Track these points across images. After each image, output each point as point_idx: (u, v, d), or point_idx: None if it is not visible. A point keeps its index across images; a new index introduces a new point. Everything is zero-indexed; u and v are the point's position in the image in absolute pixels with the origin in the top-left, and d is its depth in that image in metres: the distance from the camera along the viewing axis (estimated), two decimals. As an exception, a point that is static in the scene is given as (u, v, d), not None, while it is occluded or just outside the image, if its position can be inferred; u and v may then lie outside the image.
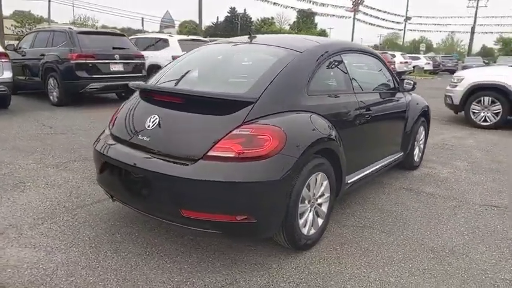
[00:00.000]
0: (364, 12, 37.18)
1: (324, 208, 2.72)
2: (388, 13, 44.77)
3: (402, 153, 4.10)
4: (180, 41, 10.62)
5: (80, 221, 2.99)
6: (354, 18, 34.62)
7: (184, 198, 2.22)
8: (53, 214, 3.10)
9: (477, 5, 41.82)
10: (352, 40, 36.59)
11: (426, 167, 4.73)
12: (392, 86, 3.92)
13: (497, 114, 7.13)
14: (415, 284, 2.28)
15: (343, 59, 3.13)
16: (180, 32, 58.11)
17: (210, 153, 2.22)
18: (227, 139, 2.23)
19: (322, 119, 2.64)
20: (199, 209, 2.21)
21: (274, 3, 33.71)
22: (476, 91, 7.26)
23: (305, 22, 75.26)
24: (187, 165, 2.22)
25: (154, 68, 10.41)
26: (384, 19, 47.30)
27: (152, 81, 2.97)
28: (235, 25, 72.58)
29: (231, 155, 2.20)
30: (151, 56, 10.30)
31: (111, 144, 2.65)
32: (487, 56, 49.43)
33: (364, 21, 38.89)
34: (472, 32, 44.21)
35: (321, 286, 2.24)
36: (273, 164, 2.21)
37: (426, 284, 2.29)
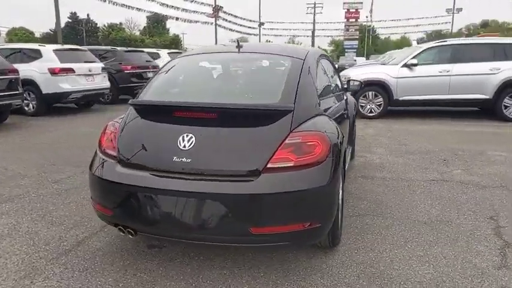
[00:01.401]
0: (223, 18, 38.89)
1: (340, 203, 2.92)
2: (244, 19, 47.72)
3: (351, 146, 4.58)
4: (56, 51, 9.36)
5: (80, 269, 2.52)
6: (216, 24, 35.80)
7: (253, 215, 2.14)
8: (36, 269, 2.53)
9: (314, 11, 47.92)
10: (216, 44, 37.62)
11: (358, 156, 5.37)
12: (341, 86, 4.35)
13: (379, 105, 8.47)
14: (440, 252, 2.67)
15: (322, 64, 3.38)
16: (10, 40, 50.30)
17: (269, 165, 2.19)
18: (282, 149, 2.23)
19: (334, 120, 2.83)
20: (269, 223, 2.16)
21: (138, 9, 32.17)
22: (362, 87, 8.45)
23: (156, 27, 73.92)
24: (252, 180, 2.14)
25: (27, 84, 8.96)
26: (240, 25, 50.17)
27: (151, 97, 2.70)
28: (79, 31, 66.61)
29: (290, 164, 2.21)
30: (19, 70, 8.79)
31: (130, 172, 2.33)
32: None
33: (224, 27, 40.63)
34: (313, 36, 50.45)
35: (376, 272, 2.44)
36: (327, 168, 2.31)
37: (446, 250, 2.70)
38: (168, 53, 13.71)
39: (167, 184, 2.22)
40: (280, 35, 68.44)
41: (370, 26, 62.50)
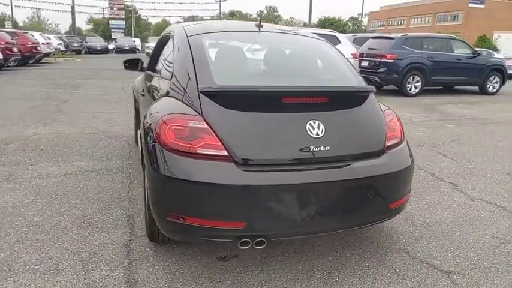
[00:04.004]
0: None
1: None
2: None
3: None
4: None
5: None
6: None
7: (391, 191, 2.26)
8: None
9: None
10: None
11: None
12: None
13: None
14: (448, 199, 3.42)
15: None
16: None
17: (387, 143, 2.32)
18: (387, 128, 2.39)
19: None
20: (397, 198, 2.31)
21: None
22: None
23: None
24: (385, 159, 2.24)
25: None
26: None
27: (227, 82, 2.24)
28: None
29: (396, 141, 2.41)
30: None
31: (263, 172, 1.98)
32: (79, 35, 51.58)
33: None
34: (73, 12, 45.23)
35: (443, 231, 2.89)
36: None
37: (444, 200, 3.49)
38: None
39: (313, 177, 2.05)
40: (34, 8, 57.97)
41: (133, 5, 61.24)
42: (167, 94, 2.49)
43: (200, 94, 2.15)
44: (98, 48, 31.05)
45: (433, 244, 2.65)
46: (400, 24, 54.41)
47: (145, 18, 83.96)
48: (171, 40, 3.05)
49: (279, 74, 2.63)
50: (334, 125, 2.19)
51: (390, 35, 10.80)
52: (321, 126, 2.12)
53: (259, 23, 2.90)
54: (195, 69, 2.32)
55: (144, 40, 44.38)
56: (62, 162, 4.16)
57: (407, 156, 2.43)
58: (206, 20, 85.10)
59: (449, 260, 2.47)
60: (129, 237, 2.64)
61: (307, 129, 2.09)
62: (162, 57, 3.21)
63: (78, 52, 29.91)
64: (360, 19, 44.18)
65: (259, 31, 2.88)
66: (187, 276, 2.22)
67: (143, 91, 3.35)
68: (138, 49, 34.86)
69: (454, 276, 2.29)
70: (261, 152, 2.04)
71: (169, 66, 2.69)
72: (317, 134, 2.10)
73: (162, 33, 3.73)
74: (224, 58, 2.64)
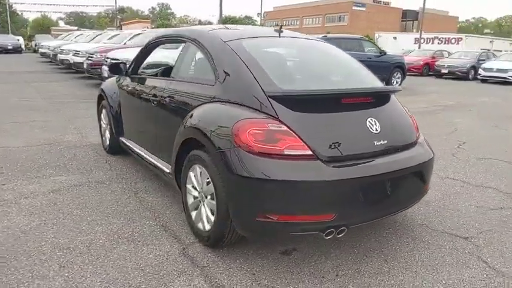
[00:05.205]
0: None
1: None
2: None
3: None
4: None
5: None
6: None
7: (426, 176, 2.63)
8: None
9: None
10: None
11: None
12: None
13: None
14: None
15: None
16: None
17: (416, 135, 2.72)
18: (413, 124, 2.79)
19: None
20: (429, 180, 2.72)
21: None
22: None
23: None
24: (420, 149, 2.63)
25: None
26: None
27: (288, 86, 2.38)
28: None
29: (418, 133, 2.82)
30: None
31: (343, 167, 2.20)
32: None
33: None
34: None
35: (446, 205, 3.44)
36: None
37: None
38: None
39: (385, 167, 2.33)
40: None
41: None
42: (217, 99, 2.51)
43: (270, 98, 2.25)
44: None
45: (440, 217, 3.15)
46: (294, 24, 57.99)
47: (21, 13, 75.07)
48: (190, 45, 3.02)
49: (324, 77, 2.84)
50: (383, 121, 2.48)
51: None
52: (377, 123, 2.40)
53: (280, 28, 3.07)
54: (252, 74, 2.40)
55: (29, 38, 39.63)
56: (38, 178, 3.73)
57: (428, 145, 2.84)
58: (93, 16, 79.41)
59: (460, 228, 2.97)
60: (180, 245, 2.59)
61: (368, 126, 2.36)
62: (183, 63, 3.12)
63: None
64: (260, 18, 45.69)
65: (280, 36, 3.05)
66: (266, 273, 2.31)
67: (155, 96, 3.20)
68: (22, 48, 30.98)
69: (473, 240, 2.79)
70: (339, 148, 2.23)
71: (208, 71, 2.68)
72: (376, 130, 2.38)
73: (160, 36, 3.58)
74: (269, 63, 2.73)
